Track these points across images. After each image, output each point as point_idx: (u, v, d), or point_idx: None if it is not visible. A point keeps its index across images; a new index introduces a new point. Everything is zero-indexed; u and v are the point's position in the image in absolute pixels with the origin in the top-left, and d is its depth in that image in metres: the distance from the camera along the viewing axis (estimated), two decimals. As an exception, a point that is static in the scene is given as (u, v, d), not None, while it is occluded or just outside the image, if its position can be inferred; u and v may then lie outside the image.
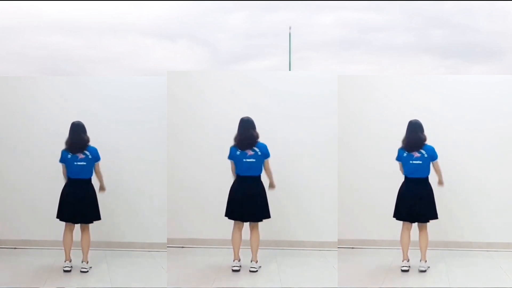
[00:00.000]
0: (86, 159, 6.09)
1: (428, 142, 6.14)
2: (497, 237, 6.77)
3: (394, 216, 6.20)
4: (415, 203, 6.06)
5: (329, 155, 6.48)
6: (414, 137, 6.07)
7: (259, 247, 6.18)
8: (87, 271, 6.08)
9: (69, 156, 6.08)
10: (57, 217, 6.14)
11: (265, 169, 6.13)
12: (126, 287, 5.83)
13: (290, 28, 21.51)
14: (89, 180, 6.15)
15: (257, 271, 6.09)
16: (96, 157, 6.14)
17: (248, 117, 6.16)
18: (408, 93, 6.83)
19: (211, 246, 6.90)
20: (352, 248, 6.90)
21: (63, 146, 6.43)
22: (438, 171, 6.11)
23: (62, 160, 6.11)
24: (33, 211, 6.91)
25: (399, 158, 6.15)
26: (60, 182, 6.23)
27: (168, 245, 6.59)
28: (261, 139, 6.18)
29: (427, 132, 6.14)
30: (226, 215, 6.20)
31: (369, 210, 6.92)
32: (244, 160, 6.07)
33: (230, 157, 6.12)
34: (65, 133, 6.18)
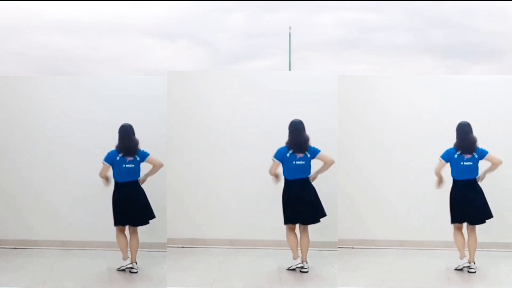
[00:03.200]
0: (134, 161, 6.11)
1: (428, 142, 6.15)
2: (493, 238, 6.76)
3: (452, 222, 6.15)
4: (469, 205, 6.06)
5: (329, 155, 6.47)
6: (470, 140, 6.07)
7: (253, 247, 6.21)
8: (137, 271, 6.10)
9: (118, 158, 6.09)
10: (115, 224, 6.13)
11: (325, 162, 6.09)
12: (126, 287, 5.83)
13: (290, 28, 21.54)
14: (137, 182, 6.16)
15: (307, 271, 6.11)
16: (143, 157, 6.14)
17: (298, 119, 6.16)
18: (408, 93, 6.82)
19: (211, 246, 6.90)
20: (352, 248, 6.90)
21: (63, 146, 6.46)
22: (495, 159, 6.06)
23: (109, 161, 6.09)
24: (33, 211, 6.91)
25: (447, 158, 6.10)
26: (60, 181, 6.24)
27: (168, 245, 6.59)
28: (261, 139, 6.19)
29: (426, 131, 6.15)
30: (285, 223, 6.17)
31: (369, 210, 6.91)
32: (295, 162, 6.08)
33: (277, 157, 6.11)
34: (65, 133, 6.18)
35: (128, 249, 6.19)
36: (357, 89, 6.84)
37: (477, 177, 6.08)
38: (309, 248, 6.17)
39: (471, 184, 6.07)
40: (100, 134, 6.60)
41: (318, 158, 6.09)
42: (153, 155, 6.15)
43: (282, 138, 6.19)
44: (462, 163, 6.06)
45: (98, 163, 6.18)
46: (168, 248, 6.57)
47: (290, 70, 20.21)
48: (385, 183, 6.89)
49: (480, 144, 6.20)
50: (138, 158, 6.12)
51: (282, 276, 6.04)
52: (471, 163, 6.05)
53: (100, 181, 6.24)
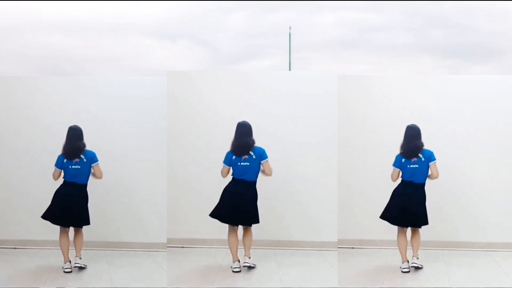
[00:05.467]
0: (80, 162, 6.11)
1: (428, 142, 6.14)
2: (497, 237, 6.76)
3: (381, 216, 6.22)
4: (408, 206, 6.09)
5: (329, 155, 6.48)
6: (412, 145, 6.07)
7: (253, 247, 6.22)
8: (85, 267, 6.10)
9: (65, 161, 6.13)
10: (42, 216, 6.17)
11: (263, 171, 6.13)
12: (126, 287, 5.83)
13: (290, 28, 21.53)
14: (83, 186, 6.16)
15: (253, 266, 6.13)
16: (91, 160, 6.15)
17: (244, 121, 6.18)
18: (408, 93, 6.83)
19: (211, 246, 6.90)
20: (352, 248, 6.90)
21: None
22: (434, 171, 6.09)
23: (59, 165, 6.15)
24: (33, 211, 6.89)
25: (397, 165, 6.14)
26: (60, 181, 6.22)
27: (168, 245, 6.59)
28: (261, 139, 6.18)
29: (426, 132, 6.15)
30: (211, 215, 6.20)
31: (369, 210, 6.90)
32: (239, 163, 6.09)
33: (226, 162, 6.17)
34: (65, 134, 6.18)
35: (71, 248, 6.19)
36: (357, 89, 6.84)
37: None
38: (309, 248, 6.17)
39: (416, 187, 6.07)
40: (100, 134, 6.60)
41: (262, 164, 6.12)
42: (98, 165, 6.18)
43: (282, 138, 6.20)
44: (409, 166, 6.07)
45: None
46: (168, 248, 6.57)
47: (290, 70, 20.21)
48: (385, 183, 6.87)
49: (480, 144, 6.21)
50: (85, 160, 6.14)
51: (282, 276, 6.04)
52: (417, 166, 6.05)
53: (100, 181, 6.26)
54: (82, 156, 6.12)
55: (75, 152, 6.12)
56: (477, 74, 14.01)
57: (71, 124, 6.49)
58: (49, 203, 6.20)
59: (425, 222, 6.14)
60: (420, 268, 6.11)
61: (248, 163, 6.10)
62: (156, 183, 6.60)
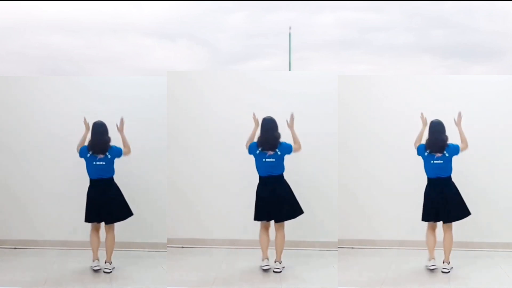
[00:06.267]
0: (105, 159, 6.11)
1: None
2: (497, 237, 6.76)
3: (423, 219, 6.16)
4: (446, 200, 6.04)
5: (329, 155, 6.48)
6: (439, 139, 6.06)
7: (253, 247, 6.22)
8: (110, 272, 6.09)
9: (88, 155, 6.11)
10: (86, 220, 6.15)
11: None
12: (126, 287, 5.83)
13: (290, 28, 21.55)
14: (111, 178, 6.16)
15: (280, 271, 6.09)
16: (116, 154, 6.16)
17: (270, 116, 6.17)
18: (408, 93, 6.83)
19: (211, 246, 6.90)
20: (352, 248, 6.90)
21: (63, 146, 6.46)
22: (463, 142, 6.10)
23: (81, 155, 6.13)
24: (33, 211, 6.91)
25: (419, 153, 6.12)
26: (60, 181, 6.23)
27: (168, 245, 6.59)
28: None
29: (426, 132, 6.14)
30: (256, 219, 6.18)
31: (369, 210, 6.92)
32: (264, 160, 6.08)
33: (251, 152, 6.14)
34: (65, 134, 6.18)
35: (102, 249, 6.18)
36: (357, 89, 6.84)
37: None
38: (309, 248, 6.16)
39: (444, 181, 6.05)
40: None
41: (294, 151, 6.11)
42: (126, 151, 6.19)
43: (282, 138, 6.18)
44: (432, 161, 6.06)
45: (98, 163, 6.20)
46: (168, 248, 6.57)
47: (290, 70, 20.22)
48: (385, 183, 6.89)
49: (480, 144, 6.20)
50: (109, 156, 6.12)
51: (282, 276, 6.04)
52: (442, 162, 6.04)
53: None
54: (107, 153, 6.11)
55: (102, 147, 6.10)
56: (477, 74, 14.01)
57: (71, 124, 6.51)
58: (49, 202, 6.21)
59: (468, 211, 6.11)
60: (447, 272, 6.05)
61: (273, 159, 6.08)
62: (156, 183, 6.60)
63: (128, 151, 6.20)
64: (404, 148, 6.80)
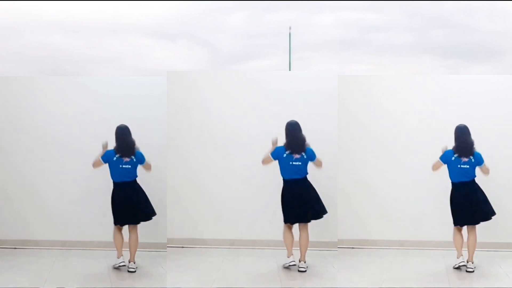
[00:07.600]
0: (131, 162, 6.10)
1: (428, 142, 6.13)
2: (497, 238, 6.76)
3: (455, 223, 6.15)
4: (475, 203, 6.07)
5: (329, 155, 6.48)
6: (468, 143, 6.05)
7: (253, 247, 6.18)
8: (135, 271, 6.09)
9: (115, 158, 6.08)
10: (115, 223, 6.14)
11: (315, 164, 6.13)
12: (126, 287, 5.83)
13: (290, 28, 21.56)
14: (134, 181, 6.15)
15: (305, 270, 6.09)
16: (140, 160, 6.14)
17: (294, 120, 6.14)
18: (408, 93, 6.83)
19: (211, 246, 6.90)
20: (352, 248, 6.90)
21: (63, 146, 6.45)
22: (485, 171, 6.10)
23: (106, 159, 6.08)
24: (33, 211, 6.91)
25: (444, 160, 6.10)
26: (60, 181, 6.23)
27: (168, 245, 6.59)
28: (261, 139, 6.17)
29: (426, 131, 6.15)
30: (285, 222, 6.16)
31: (369, 210, 6.92)
32: (291, 163, 6.07)
33: (274, 155, 6.09)
34: (65, 134, 6.17)
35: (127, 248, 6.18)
36: (357, 89, 6.85)
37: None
38: (309, 248, 6.16)
39: (469, 184, 6.07)
40: (100, 134, 6.59)
41: (314, 163, 6.11)
42: (148, 161, 6.15)
43: (282, 138, 6.18)
44: (459, 166, 6.05)
45: (98, 163, 6.19)
46: (168, 248, 6.57)
47: (290, 70, 20.23)
48: (385, 183, 6.89)
49: (480, 144, 6.20)
50: (134, 160, 6.11)
51: (282, 276, 6.04)
52: (468, 166, 6.05)
53: (100, 181, 6.25)
54: (133, 156, 6.10)
55: (129, 149, 6.09)
56: (477, 74, 14.02)
57: (71, 124, 6.53)
58: (49, 202, 6.20)
59: (493, 211, 6.15)
60: (472, 272, 6.06)
61: (300, 163, 6.07)
62: (156, 183, 6.60)
63: (149, 168, 6.18)
64: (405, 148, 6.82)
